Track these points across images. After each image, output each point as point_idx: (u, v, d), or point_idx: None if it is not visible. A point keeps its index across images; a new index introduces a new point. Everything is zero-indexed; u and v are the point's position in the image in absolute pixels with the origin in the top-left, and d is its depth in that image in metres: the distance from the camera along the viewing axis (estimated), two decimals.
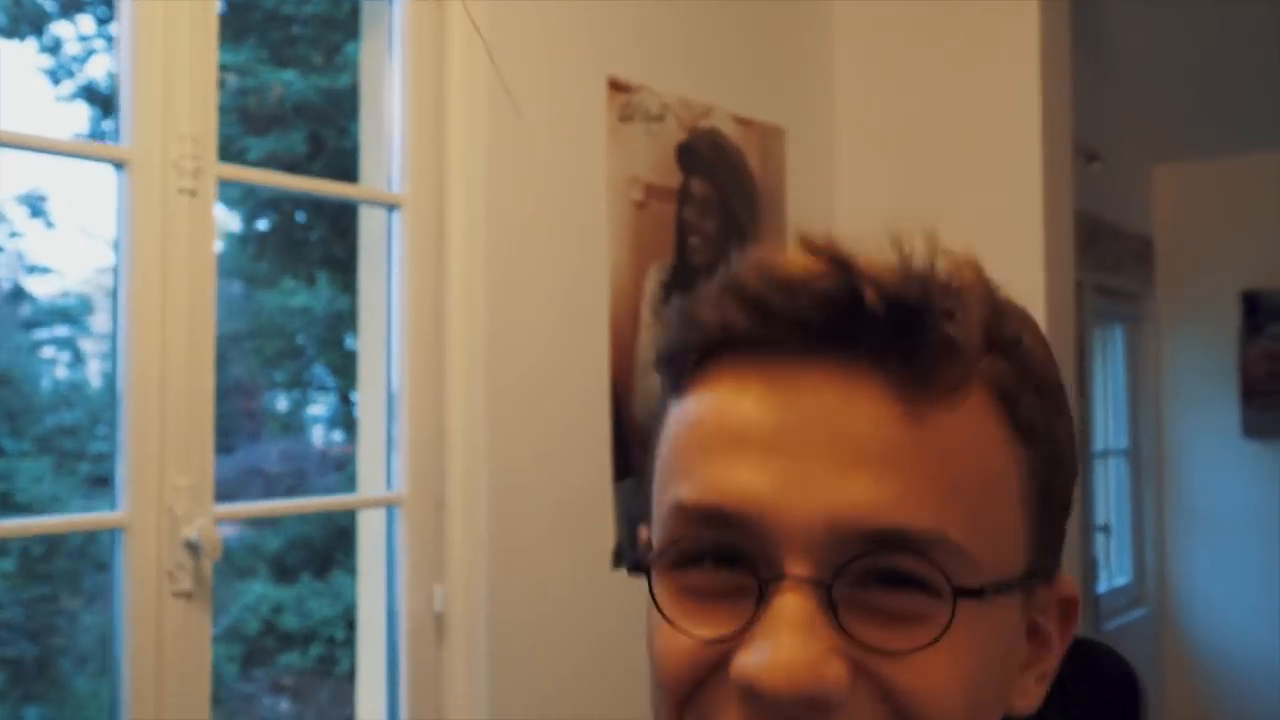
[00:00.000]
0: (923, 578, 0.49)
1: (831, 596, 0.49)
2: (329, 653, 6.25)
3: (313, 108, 6.27)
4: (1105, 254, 4.45)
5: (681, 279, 2.64)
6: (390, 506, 2.10)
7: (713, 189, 2.75)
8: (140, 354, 1.71)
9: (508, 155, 2.22)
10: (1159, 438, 4.99)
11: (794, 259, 0.52)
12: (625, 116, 2.51)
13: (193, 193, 1.75)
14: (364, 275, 2.21)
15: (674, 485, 0.54)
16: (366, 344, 2.21)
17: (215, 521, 1.74)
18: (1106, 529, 4.71)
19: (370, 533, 2.18)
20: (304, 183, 2.02)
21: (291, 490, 6.31)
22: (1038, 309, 2.81)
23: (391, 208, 2.12)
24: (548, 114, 2.32)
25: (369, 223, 2.21)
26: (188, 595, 1.73)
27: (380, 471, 2.14)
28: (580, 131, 2.40)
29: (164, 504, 1.71)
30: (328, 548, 6.44)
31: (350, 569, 5.25)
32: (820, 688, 0.48)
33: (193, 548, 1.71)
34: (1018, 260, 2.85)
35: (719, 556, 0.52)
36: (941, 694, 0.49)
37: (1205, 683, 4.84)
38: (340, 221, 6.03)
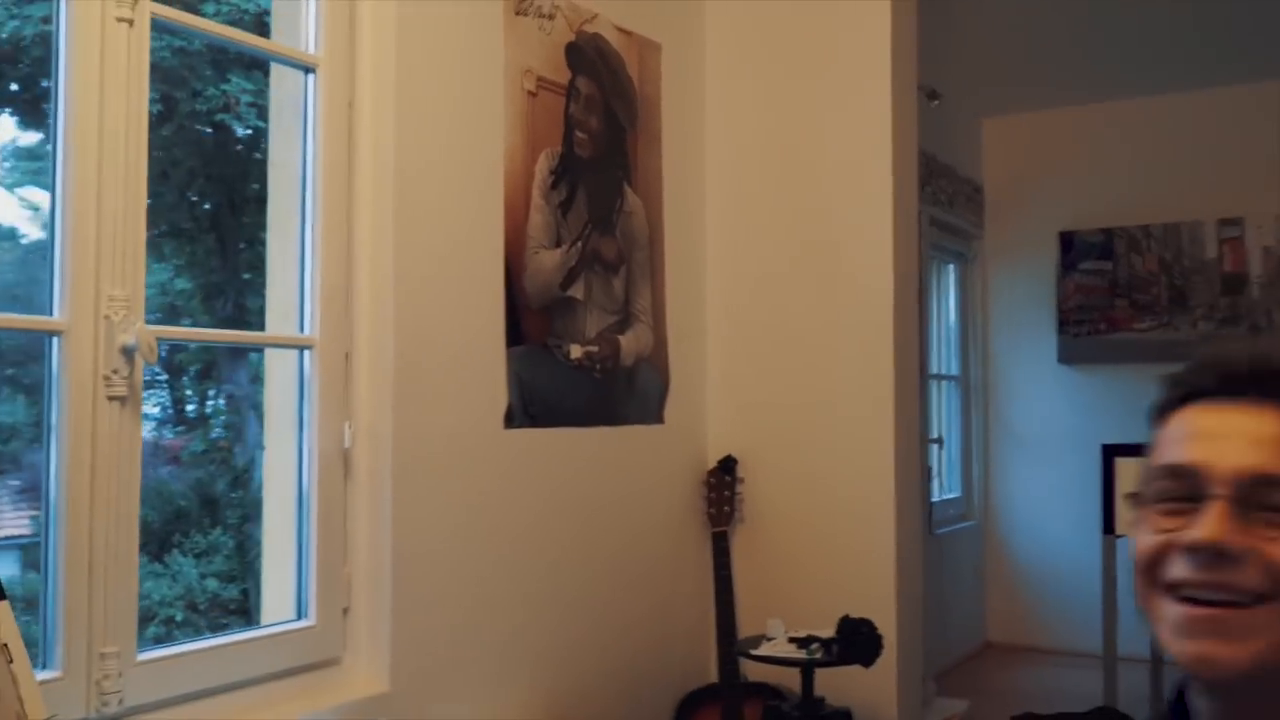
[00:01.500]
0: None
1: (1238, 506, 0.89)
2: (167, 633, 6.23)
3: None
4: (941, 192, 4.84)
5: (569, 169, 2.83)
6: (303, 348, 2.23)
7: (597, 90, 2.95)
8: (78, 175, 1.80)
9: (415, 32, 2.37)
10: (985, 365, 5.45)
11: (1213, 352, 0.98)
12: (520, 10, 2.69)
13: (130, 22, 1.85)
14: (274, 134, 2.33)
15: (1164, 456, 0.96)
16: (276, 199, 2.32)
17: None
18: (939, 441, 5.13)
19: (277, 377, 2.30)
20: (227, 30, 2.12)
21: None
22: (886, 229, 3.10)
23: (308, 69, 2.25)
24: None
25: (280, 86, 2.33)
26: (122, 399, 1.83)
27: (286, 318, 2.27)
28: (480, 18, 2.56)
29: (100, 313, 1.81)
30: (166, 530, 6.40)
31: (188, 551, 5.26)
32: (1227, 545, 0.87)
33: (128, 353, 1.82)
34: (868, 181, 3.13)
35: (1178, 495, 0.93)
36: None
37: (1024, 586, 5.33)
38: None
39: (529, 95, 2.71)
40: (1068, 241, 5.29)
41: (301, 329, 2.24)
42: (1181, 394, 0.98)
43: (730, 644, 3.03)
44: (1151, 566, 0.93)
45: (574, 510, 2.81)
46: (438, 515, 2.39)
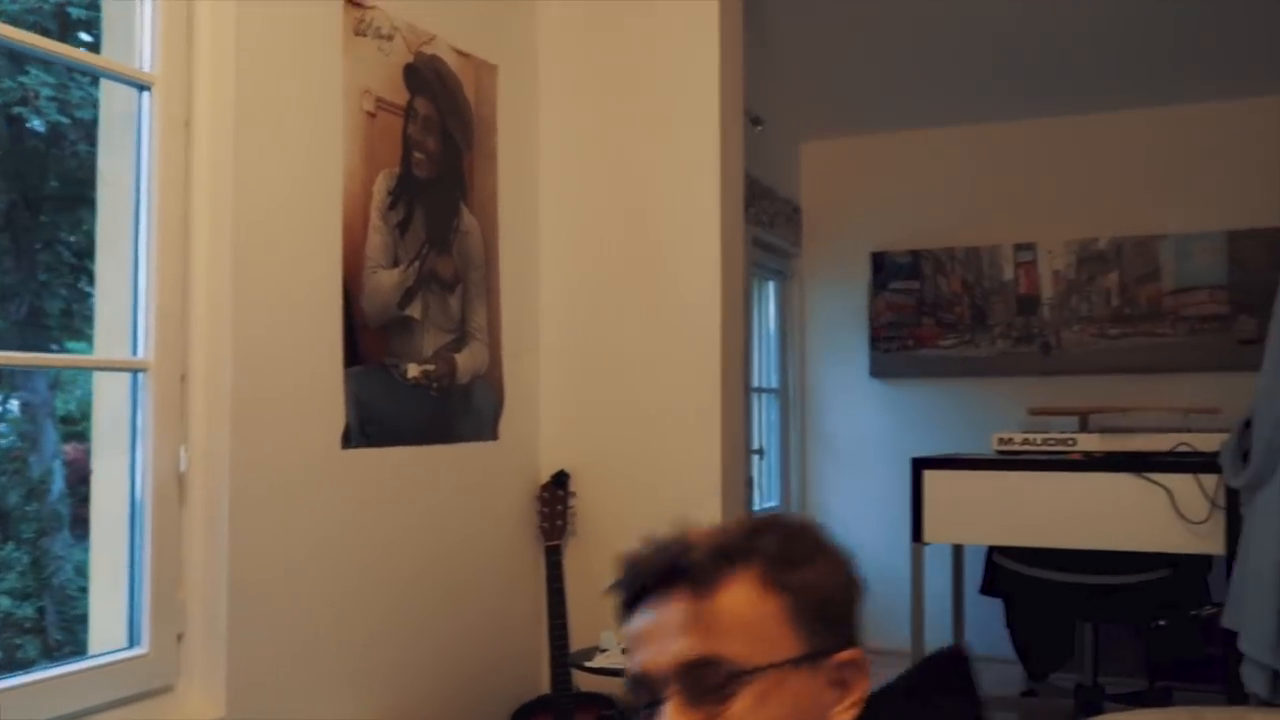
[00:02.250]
0: (721, 678, 1.00)
1: (685, 697, 1.01)
2: None
3: None
4: (762, 212, 5.05)
5: (407, 189, 2.85)
6: (137, 371, 2.19)
7: (435, 111, 2.98)
8: None
9: (254, 50, 2.35)
10: (803, 378, 5.70)
11: (623, 566, 1.09)
12: (359, 31, 2.70)
13: None
14: (103, 149, 2.27)
15: (628, 669, 1.07)
16: (107, 216, 2.26)
17: None
18: (760, 452, 5.34)
19: (107, 398, 2.25)
20: (54, 46, 2.06)
21: None
22: (713, 249, 3.24)
23: (143, 87, 2.20)
24: (289, 15, 2.46)
25: (110, 102, 2.28)
26: None
27: (118, 339, 2.22)
28: (319, 38, 2.56)
29: None
30: None
31: None
32: None
33: None
34: (697, 202, 3.26)
35: (647, 702, 1.04)
36: None
37: None
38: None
39: (368, 116, 2.72)
40: (879, 262, 5.59)
41: (135, 351, 2.19)
42: (623, 605, 1.11)
43: (563, 656, 3.10)
44: None
45: (411, 528, 2.83)
46: (275, 537, 2.38)
